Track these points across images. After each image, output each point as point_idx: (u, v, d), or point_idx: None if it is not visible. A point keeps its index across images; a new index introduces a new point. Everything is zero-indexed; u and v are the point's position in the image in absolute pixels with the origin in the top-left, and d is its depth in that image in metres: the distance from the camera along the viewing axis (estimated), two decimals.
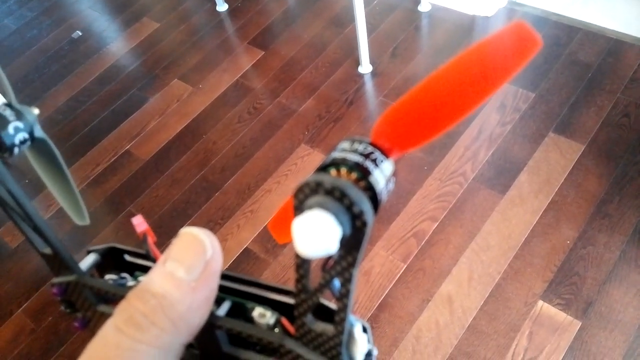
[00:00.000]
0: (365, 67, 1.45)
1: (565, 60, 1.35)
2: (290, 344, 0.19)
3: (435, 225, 1.12)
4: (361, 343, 0.19)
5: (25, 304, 1.18)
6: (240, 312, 0.22)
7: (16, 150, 0.21)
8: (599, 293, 0.99)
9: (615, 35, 1.37)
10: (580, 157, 1.17)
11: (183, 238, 0.17)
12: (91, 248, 0.25)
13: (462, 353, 0.96)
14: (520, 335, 0.96)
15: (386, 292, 1.05)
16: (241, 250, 1.17)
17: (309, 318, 0.18)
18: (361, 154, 0.16)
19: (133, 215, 1.27)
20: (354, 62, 1.48)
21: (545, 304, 0.99)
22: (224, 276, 0.23)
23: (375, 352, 0.20)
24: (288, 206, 0.18)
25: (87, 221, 0.26)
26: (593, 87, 1.28)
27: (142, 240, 0.22)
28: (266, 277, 1.12)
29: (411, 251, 1.10)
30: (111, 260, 0.26)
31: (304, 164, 1.29)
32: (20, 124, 0.21)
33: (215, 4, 1.74)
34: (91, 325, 0.25)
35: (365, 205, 0.15)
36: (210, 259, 0.17)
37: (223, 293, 0.23)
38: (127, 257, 0.26)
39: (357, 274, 0.16)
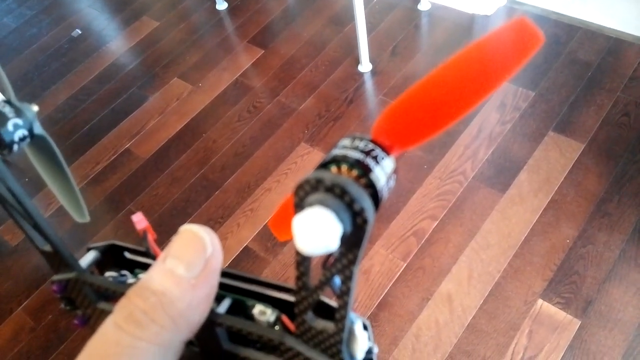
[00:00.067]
0: (365, 66, 1.45)
1: (565, 59, 1.35)
2: (290, 342, 0.19)
3: (435, 224, 1.12)
4: (362, 340, 0.18)
5: (25, 302, 1.18)
6: (240, 309, 0.22)
7: (15, 147, 0.21)
8: (599, 292, 0.99)
9: (615, 34, 1.37)
10: (580, 156, 1.17)
11: (183, 235, 0.17)
12: (91, 245, 0.25)
13: (462, 352, 0.96)
14: (520, 334, 0.96)
15: (386, 290, 1.05)
16: (241, 249, 1.17)
17: (309, 315, 0.18)
18: (362, 151, 0.16)
19: (133, 213, 1.27)
20: (353, 60, 1.48)
21: (545, 303, 0.99)
22: (224, 274, 0.22)
23: (375, 350, 0.20)
24: (288, 204, 0.18)
25: (87, 218, 0.26)
26: (593, 86, 1.28)
27: (142, 237, 0.22)
28: (266, 276, 1.12)
29: (411, 250, 1.10)
30: (111, 257, 0.26)
31: (304, 162, 1.29)
32: (19, 121, 0.21)
33: (215, 3, 1.74)
34: (91, 323, 0.25)
35: (366, 203, 0.15)
36: (211, 256, 0.17)
37: (223, 290, 0.22)
38: (127, 255, 0.26)
39: (358, 271, 0.16)
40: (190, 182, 1.32)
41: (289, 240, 0.18)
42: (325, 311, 0.19)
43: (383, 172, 0.16)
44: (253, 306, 0.22)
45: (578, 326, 0.96)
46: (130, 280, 0.25)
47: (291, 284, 0.19)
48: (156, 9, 1.82)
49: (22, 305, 1.17)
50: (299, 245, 0.15)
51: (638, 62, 1.31)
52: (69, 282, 0.24)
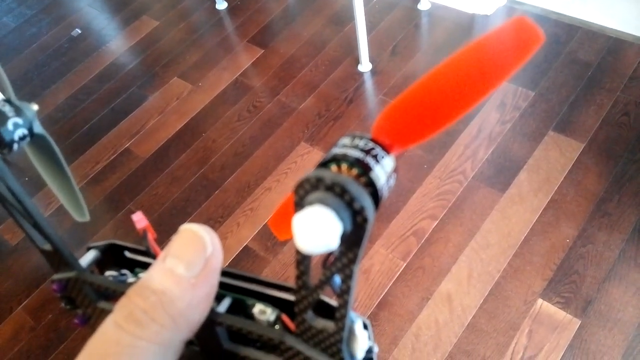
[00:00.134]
0: (365, 66, 1.45)
1: (565, 58, 1.35)
2: (290, 341, 0.19)
3: (435, 224, 1.12)
4: (362, 340, 0.18)
5: (25, 302, 1.18)
6: (240, 308, 0.22)
7: (15, 146, 0.21)
8: (599, 291, 0.99)
9: (615, 34, 1.37)
10: (580, 155, 1.17)
11: (183, 234, 0.17)
12: (91, 244, 0.25)
13: (462, 351, 0.96)
14: (520, 334, 0.96)
15: (386, 290, 1.05)
16: (241, 248, 1.17)
17: (309, 315, 0.18)
18: (362, 150, 0.16)
19: (132, 213, 1.27)
20: (353, 60, 1.48)
21: (545, 303, 0.99)
22: (224, 273, 0.22)
23: (375, 349, 0.20)
24: (288, 203, 0.18)
25: (87, 218, 0.26)
26: (593, 85, 1.28)
27: (142, 236, 0.22)
28: (266, 275, 1.12)
29: (411, 249, 1.10)
30: (111, 256, 0.26)
31: (304, 162, 1.29)
32: (19, 120, 0.21)
33: (214, 2, 1.74)
34: (91, 322, 0.25)
35: (366, 201, 0.15)
36: (211, 255, 0.17)
37: (223, 290, 0.22)
38: (127, 254, 0.26)
39: (358, 270, 0.16)
40: (190, 181, 1.32)
41: (289, 240, 0.18)
42: (325, 310, 0.19)
43: (383, 170, 0.16)
44: (253, 305, 0.22)
45: (578, 326, 0.96)
46: (131, 279, 0.25)
47: (291, 283, 0.19)
48: (156, 9, 1.82)
49: (22, 304, 1.17)
50: (299, 244, 0.15)
51: (638, 62, 1.31)
52: (69, 282, 0.24)
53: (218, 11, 1.74)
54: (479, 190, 1.16)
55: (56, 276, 0.24)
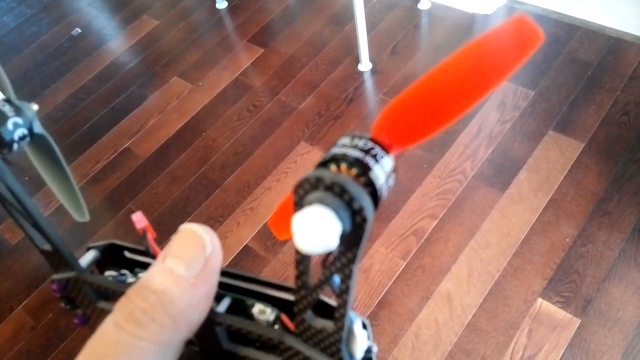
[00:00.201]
0: (365, 65, 1.45)
1: (565, 58, 1.35)
2: (290, 341, 0.19)
3: (435, 223, 1.12)
4: (361, 339, 0.18)
5: (25, 301, 1.18)
6: (240, 308, 0.22)
7: (15, 146, 0.21)
8: (599, 291, 0.99)
9: (615, 34, 1.37)
10: (579, 155, 1.17)
11: (183, 234, 0.17)
12: (91, 245, 0.25)
13: (462, 350, 0.96)
14: (520, 333, 0.96)
15: (386, 289, 1.05)
16: (241, 248, 1.17)
17: (308, 314, 0.18)
18: (361, 150, 0.16)
19: (133, 212, 1.27)
20: (353, 60, 1.48)
21: (545, 302, 0.99)
22: (223, 273, 0.22)
23: (375, 349, 0.20)
24: (288, 203, 0.18)
25: (86, 217, 0.26)
26: (593, 85, 1.28)
27: (141, 236, 0.22)
28: (266, 275, 1.12)
29: (411, 249, 1.10)
30: (111, 256, 0.26)
31: (304, 161, 1.29)
32: (19, 120, 0.21)
33: (214, 2, 1.74)
34: (91, 322, 0.25)
35: (366, 201, 0.15)
36: (210, 255, 0.17)
37: (223, 290, 0.22)
38: (127, 254, 0.26)
39: (357, 270, 0.16)
40: (190, 181, 1.32)
41: (289, 239, 0.18)
42: (325, 310, 0.19)
43: (382, 170, 0.16)
44: (252, 305, 0.22)
45: (578, 325, 0.96)
46: (130, 279, 0.25)
47: (291, 283, 0.19)
48: (156, 8, 1.82)
49: (22, 304, 1.17)
50: (298, 243, 0.15)
51: (638, 61, 1.31)
52: (69, 282, 0.24)
53: (218, 10, 1.74)
54: (479, 190, 1.16)
55: (56, 276, 0.24)
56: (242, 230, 1.20)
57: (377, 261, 1.09)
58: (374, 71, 1.45)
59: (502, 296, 1.01)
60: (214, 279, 0.17)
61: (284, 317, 0.21)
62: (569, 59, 1.35)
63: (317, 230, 0.14)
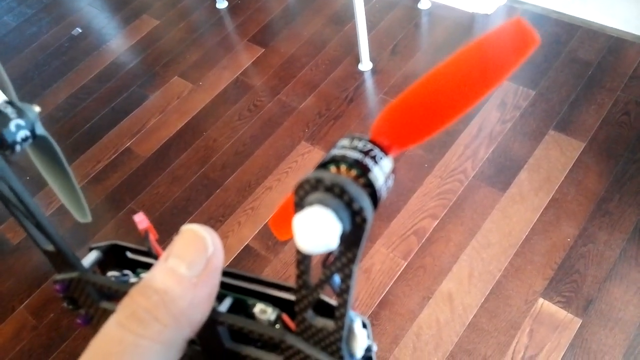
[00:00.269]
0: (365, 65, 1.45)
1: (566, 58, 1.35)
2: (291, 340, 0.19)
3: (436, 223, 1.12)
4: (361, 338, 0.19)
5: (27, 301, 1.18)
6: (241, 308, 0.23)
7: (18, 147, 0.21)
8: (600, 291, 0.99)
9: (616, 33, 1.37)
10: (580, 154, 1.17)
11: (184, 235, 0.18)
12: (93, 245, 0.25)
13: (463, 350, 0.96)
14: (521, 333, 0.97)
15: (387, 289, 1.05)
16: (242, 248, 1.17)
17: (309, 314, 0.19)
18: (361, 151, 0.16)
19: (134, 212, 1.27)
20: (354, 59, 1.48)
21: (546, 302, 0.99)
22: (225, 273, 0.23)
23: (374, 348, 0.20)
24: (288, 203, 0.18)
25: (89, 218, 0.27)
26: (593, 85, 1.28)
27: (143, 237, 0.22)
28: (267, 275, 1.12)
29: (412, 249, 1.10)
30: (113, 257, 0.26)
31: (305, 161, 1.30)
32: (21, 122, 0.21)
33: (215, 1, 1.74)
34: (94, 322, 0.25)
35: (365, 202, 0.15)
36: (212, 255, 0.17)
37: (224, 290, 0.23)
38: (129, 255, 0.26)
39: (357, 270, 0.16)
40: (191, 180, 1.32)
41: (289, 240, 0.18)
42: (325, 310, 0.19)
43: (381, 171, 0.16)
44: (254, 305, 0.22)
45: (579, 325, 0.96)
46: (133, 279, 0.25)
47: (292, 283, 0.20)
48: (156, 8, 1.82)
49: (24, 303, 1.18)
50: (299, 243, 0.15)
51: (638, 61, 1.31)
52: (72, 282, 0.24)
53: (218, 10, 1.74)
54: (480, 190, 1.16)
55: (59, 277, 0.24)
56: (243, 230, 1.20)
57: (378, 261, 1.09)
58: (374, 71, 1.45)
59: (503, 296, 1.01)
60: (215, 278, 0.18)
61: (285, 317, 0.21)
62: (570, 58, 1.35)
63: (317, 230, 0.14)
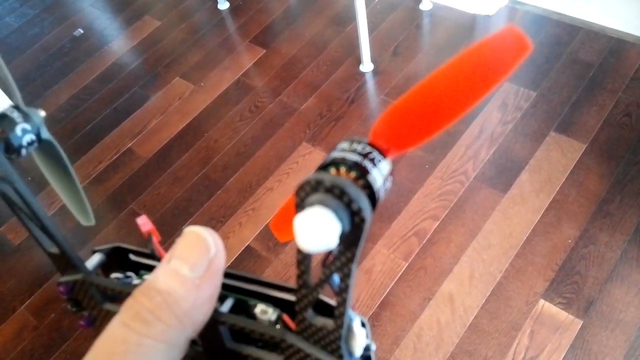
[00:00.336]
0: (367, 66, 1.45)
1: (567, 59, 1.35)
2: (291, 339, 0.20)
3: (437, 224, 1.13)
4: (360, 337, 0.19)
5: (28, 301, 1.18)
6: (242, 309, 0.23)
7: (23, 151, 0.22)
8: (601, 292, 0.99)
9: (617, 35, 1.37)
10: (581, 156, 1.17)
11: (187, 237, 0.18)
12: (96, 248, 0.26)
13: (463, 351, 0.96)
14: (522, 334, 0.97)
15: (387, 290, 1.06)
16: (243, 248, 1.17)
17: (309, 313, 0.19)
18: (360, 154, 0.17)
19: (135, 213, 1.28)
20: (355, 60, 1.48)
21: (547, 303, 0.99)
22: (226, 274, 0.23)
23: (373, 347, 0.20)
24: (289, 205, 0.19)
25: (92, 222, 0.27)
26: (594, 86, 1.28)
27: (146, 239, 0.22)
28: (268, 275, 1.12)
29: (412, 250, 1.10)
30: (116, 259, 0.26)
31: (306, 162, 1.30)
32: (27, 126, 0.21)
33: (216, 3, 1.75)
34: (97, 324, 0.25)
35: (364, 203, 0.15)
36: (214, 257, 0.18)
37: (226, 291, 0.23)
38: (132, 257, 0.26)
39: (356, 269, 0.17)
40: (192, 181, 1.32)
41: (290, 241, 0.19)
42: (324, 310, 0.19)
43: (380, 173, 0.17)
44: (255, 306, 0.22)
45: (580, 326, 0.96)
46: (136, 281, 0.25)
47: (292, 284, 0.20)
48: (158, 9, 1.82)
49: (25, 303, 1.18)
50: (300, 242, 0.15)
51: (639, 62, 1.31)
52: (76, 284, 0.24)
53: (220, 11, 1.74)
54: (481, 191, 1.16)
55: (62, 279, 0.24)
56: (244, 231, 1.20)
57: (379, 262, 1.09)
58: (375, 72, 1.45)
59: (504, 297, 1.01)
60: (217, 279, 0.18)
61: (286, 317, 0.22)
62: (571, 59, 1.35)
63: (318, 230, 0.15)
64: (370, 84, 1.43)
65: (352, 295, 0.17)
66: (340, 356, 0.19)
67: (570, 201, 1.11)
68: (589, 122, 1.22)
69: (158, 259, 0.22)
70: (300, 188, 0.16)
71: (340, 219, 0.15)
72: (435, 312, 1.01)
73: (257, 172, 1.31)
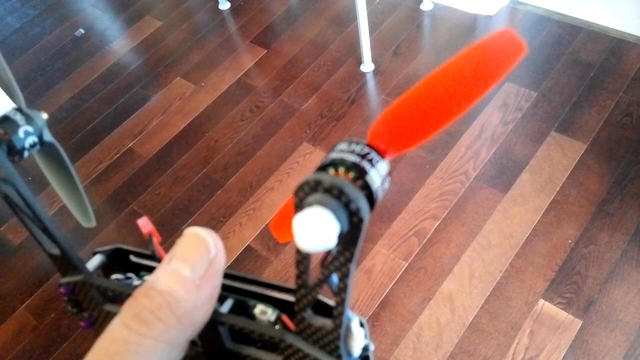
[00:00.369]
0: (367, 66, 1.45)
1: (568, 59, 1.35)
2: (290, 339, 0.20)
3: (437, 224, 1.13)
4: (358, 337, 0.19)
5: (28, 301, 1.18)
6: (242, 309, 0.23)
7: (26, 153, 0.22)
8: (600, 292, 0.99)
9: (618, 35, 1.37)
10: (582, 156, 1.17)
11: (187, 238, 0.18)
12: (97, 249, 0.26)
13: (463, 351, 0.96)
14: (521, 334, 0.97)
15: (387, 290, 1.06)
16: (243, 248, 1.17)
17: (308, 313, 0.19)
18: (358, 155, 0.17)
19: (135, 212, 1.28)
20: (356, 60, 1.48)
21: (547, 303, 0.99)
22: (226, 275, 0.23)
23: (372, 347, 0.20)
24: (288, 207, 0.19)
25: (93, 224, 0.27)
26: (595, 86, 1.28)
27: (147, 240, 0.22)
28: (268, 275, 1.13)
29: (412, 250, 1.10)
30: (116, 260, 0.26)
31: (306, 162, 1.30)
32: (30, 128, 0.22)
33: (217, 3, 1.75)
34: (97, 325, 0.25)
35: (362, 203, 0.15)
36: (214, 258, 0.18)
37: (226, 292, 0.23)
38: (133, 258, 0.26)
39: (354, 269, 0.17)
40: (193, 181, 1.32)
41: (290, 242, 0.19)
42: (323, 311, 0.20)
43: (378, 174, 0.17)
44: (254, 306, 0.22)
45: (579, 326, 0.96)
46: (136, 282, 0.25)
47: (291, 284, 0.20)
48: (159, 9, 1.83)
49: (25, 303, 1.18)
50: (299, 242, 0.15)
51: None
52: (77, 285, 0.24)
53: (221, 11, 1.74)
54: (481, 191, 1.16)
55: (63, 280, 0.24)
56: (245, 231, 1.20)
57: (379, 262, 1.09)
58: (376, 72, 1.45)
59: (503, 297, 1.01)
60: (217, 280, 0.18)
61: (285, 318, 0.22)
62: (572, 60, 1.35)
63: (317, 229, 0.15)
64: (371, 84, 1.43)
65: (351, 295, 0.17)
66: (339, 356, 0.19)
67: (571, 201, 1.11)
68: (590, 122, 1.22)
69: (158, 260, 0.22)
70: (300, 188, 0.16)
71: (339, 219, 0.15)
72: (435, 312, 1.01)
73: (257, 172, 1.31)
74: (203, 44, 1.66)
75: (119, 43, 1.75)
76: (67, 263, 0.24)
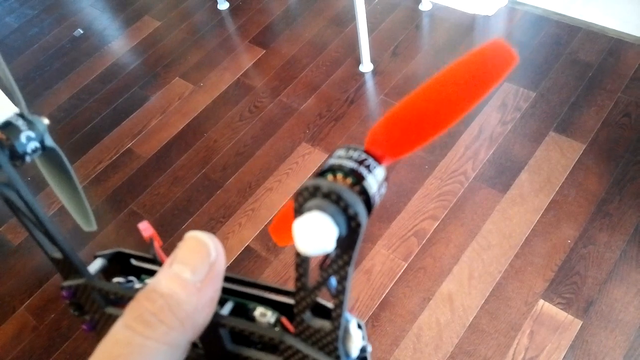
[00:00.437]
0: (366, 66, 1.45)
1: (566, 59, 1.36)
2: (290, 340, 0.20)
3: (436, 224, 1.13)
4: (356, 338, 0.19)
5: (28, 301, 1.18)
6: (242, 312, 0.23)
7: (28, 158, 0.22)
8: (600, 292, 0.99)
9: (616, 35, 1.37)
10: (581, 156, 1.18)
11: (188, 242, 0.18)
12: (98, 253, 0.26)
13: (463, 352, 0.97)
14: (521, 335, 0.97)
15: (387, 290, 1.06)
16: (243, 248, 1.18)
17: (307, 315, 0.19)
18: (356, 161, 0.18)
19: (135, 212, 1.28)
20: (354, 61, 1.48)
21: (546, 303, 0.99)
22: (226, 278, 0.23)
23: (369, 349, 0.21)
24: (287, 210, 0.19)
25: (94, 227, 0.27)
26: (594, 86, 1.29)
27: (148, 244, 0.23)
28: (267, 275, 1.13)
29: (412, 250, 1.10)
30: (117, 264, 0.26)
31: (305, 162, 1.30)
32: (31, 134, 0.22)
33: (216, 3, 1.75)
34: (99, 328, 0.25)
35: (360, 208, 0.16)
36: (215, 261, 0.18)
37: (226, 294, 0.23)
38: (133, 262, 0.26)
39: (352, 272, 0.17)
40: (192, 181, 1.32)
41: (289, 245, 0.19)
42: (322, 313, 0.20)
43: (375, 180, 0.18)
44: (254, 308, 0.23)
45: (579, 327, 0.96)
46: (137, 285, 0.26)
47: (290, 286, 0.20)
48: (158, 9, 1.83)
49: (25, 304, 1.18)
50: (298, 246, 0.16)
51: (639, 62, 1.31)
52: (78, 288, 0.24)
53: (219, 11, 1.74)
54: (480, 191, 1.16)
55: (65, 283, 0.24)
56: (244, 231, 1.20)
57: (379, 262, 1.09)
58: (375, 72, 1.45)
59: (503, 297, 1.01)
60: (218, 283, 0.18)
61: (284, 320, 0.22)
62: (570, 60, 1.35)
63: (316, 233, 0.15)
64: (370, 84, 1.43)
65: (349, 297, 0.18)
66: (338, 357, 0.19)
67: (570, 201, 1.11)
68: (589, 123, 1.23)
69: (159, 263, 0.23)
70: (299, 194, 0.16)
71: (338, 223, 0.16)
72: (434, 312, 1.02)
73: (256, 172, 1.31)
74: (202, 44, 1.66)
75: (118, 43, 1.75)
76: (69, 266, 0.24)
